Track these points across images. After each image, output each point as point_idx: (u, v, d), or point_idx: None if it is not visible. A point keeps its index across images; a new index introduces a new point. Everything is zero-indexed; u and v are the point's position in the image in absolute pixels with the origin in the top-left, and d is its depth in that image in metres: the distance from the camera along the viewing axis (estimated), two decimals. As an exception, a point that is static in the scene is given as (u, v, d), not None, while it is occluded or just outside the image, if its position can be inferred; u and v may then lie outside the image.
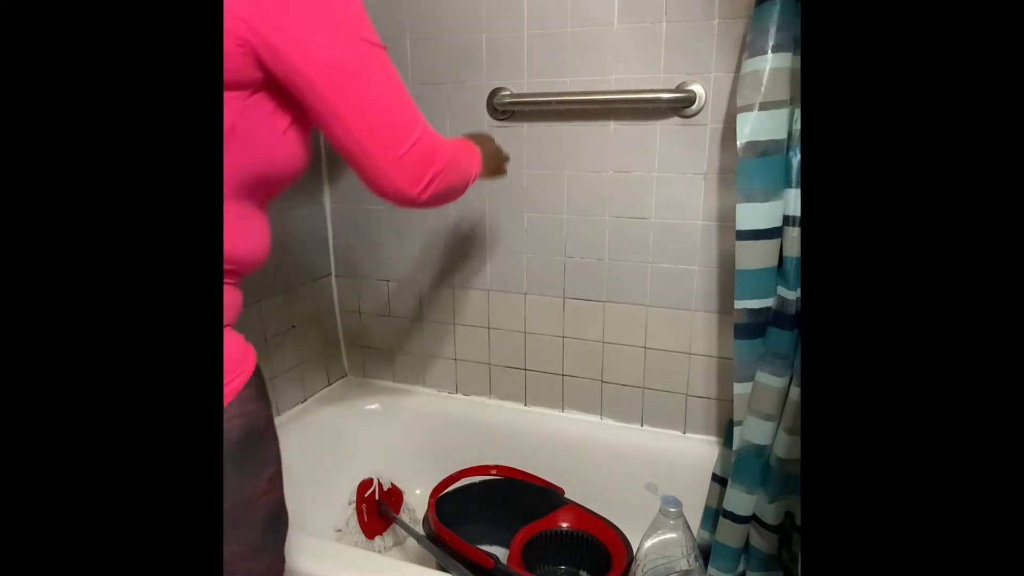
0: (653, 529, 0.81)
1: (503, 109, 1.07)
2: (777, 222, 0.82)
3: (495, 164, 0.84)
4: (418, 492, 1.22)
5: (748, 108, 0.80)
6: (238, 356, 0.54)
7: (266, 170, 0.53)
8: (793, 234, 0.82)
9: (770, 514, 0.90)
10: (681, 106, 0.96)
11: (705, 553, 0.97)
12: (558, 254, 1.12)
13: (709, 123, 0.96)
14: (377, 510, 1.13)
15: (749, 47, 0.80)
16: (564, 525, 1.01)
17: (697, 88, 0.95)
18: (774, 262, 0.84)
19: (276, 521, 0.60)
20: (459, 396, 1.29)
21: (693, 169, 0.99)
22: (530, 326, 1.18)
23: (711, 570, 0.96)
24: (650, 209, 1.03)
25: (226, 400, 0.51)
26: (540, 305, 1.16)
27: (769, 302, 0.85)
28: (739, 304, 0.86)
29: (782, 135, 0.80)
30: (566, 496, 1.05)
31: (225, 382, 0.51)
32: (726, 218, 0.98)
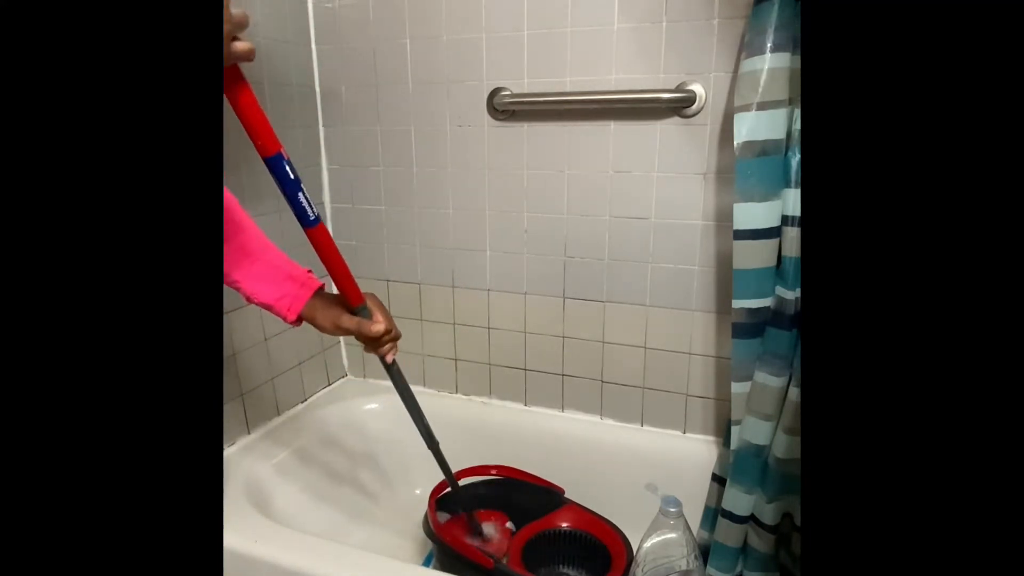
0: (653, 529, 0.81)
1: (503, 109, 1.08)
2: (775, 222, 0.82)
3: (337, 324, 0.74)
4: (418, 492, 1.22)
5: (746, 108, 0.80)
6: None
7: None
8: (792, 234, 0.82)
9: (768, 514, 0.90)
10: (681, 106, 0.96)
11: (705, 553, 0.97)
12: (558, 254, 1.12)
13: (709, 123, 0.96)
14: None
15: (747, 47, 0.80)
16: (564, 525, 1.01)
17: (697, 88, 0.95)
18: (772, 262, 0.84)
19: None
20: (459, 396, 1.29)
21: (693, 169, 0.99)
22: (530, 326, 1.18)
23: (709, 570, 0.96)
24: (650, 209, 1.03)
25: None
26: (540, 305, 1.16)
27: (767, 302, 0.85)
28: (737, 304, 0.86)
29: (780, 135, 0.80)
30: (566, 496, 1.05)
31: None
32: (726, 218, 0.98)
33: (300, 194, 0.61)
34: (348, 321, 0.74)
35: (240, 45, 0.50)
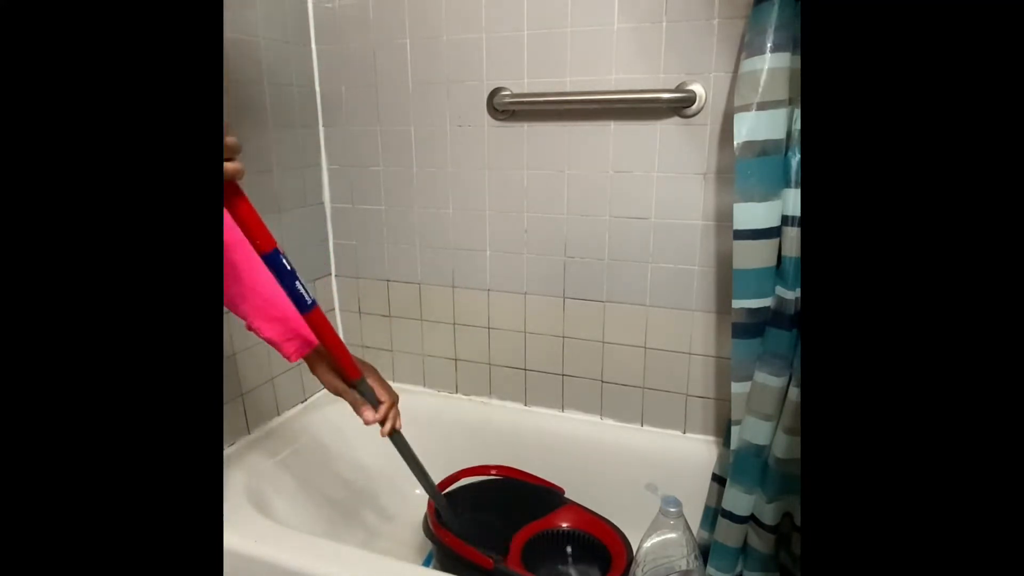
0: (653, 529, 0.81)
1: (503, 109, 1.08)
2: (775, 222, 0.82)
3: (330, 383, 0.78)
4: (417, 492, 1.21)
5: (746, 108, 0.80)
6: None
7: None
8: (792, 234, 0.82)
9: (768, 514, 0.90)
10: (681, 106, 0.96)
11: (705, 553, 0.97)
12: (558, 254, 1.12)
13: (709, 123, 0.96)
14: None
15: (747, 47, 0.80)
16: (564, 525, 1.01)
17: (697, 88, 0.95)
18: (772, 262, 0.84)
19: None
20: (459, 396, 1.29)
21: (693, 169, 0.99)
22: (530, 326, 1.18)
23: (709, 570, 0.96)
24: (650, 209, 1.03)
25: None
26: (540, 305, 1.16)
27: (767, 302, 0.85)
28: (737, 304, 0.86)
29: (780, 135, 0.80)
30: (566, 496, 1.05)
31: None
32: (726, 218, 0.98)
33: (296, 283, 0.66)
34: (347, 396, 0.79)
35: (230, 166, 0.54)
